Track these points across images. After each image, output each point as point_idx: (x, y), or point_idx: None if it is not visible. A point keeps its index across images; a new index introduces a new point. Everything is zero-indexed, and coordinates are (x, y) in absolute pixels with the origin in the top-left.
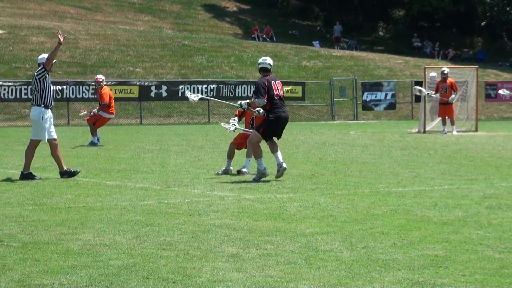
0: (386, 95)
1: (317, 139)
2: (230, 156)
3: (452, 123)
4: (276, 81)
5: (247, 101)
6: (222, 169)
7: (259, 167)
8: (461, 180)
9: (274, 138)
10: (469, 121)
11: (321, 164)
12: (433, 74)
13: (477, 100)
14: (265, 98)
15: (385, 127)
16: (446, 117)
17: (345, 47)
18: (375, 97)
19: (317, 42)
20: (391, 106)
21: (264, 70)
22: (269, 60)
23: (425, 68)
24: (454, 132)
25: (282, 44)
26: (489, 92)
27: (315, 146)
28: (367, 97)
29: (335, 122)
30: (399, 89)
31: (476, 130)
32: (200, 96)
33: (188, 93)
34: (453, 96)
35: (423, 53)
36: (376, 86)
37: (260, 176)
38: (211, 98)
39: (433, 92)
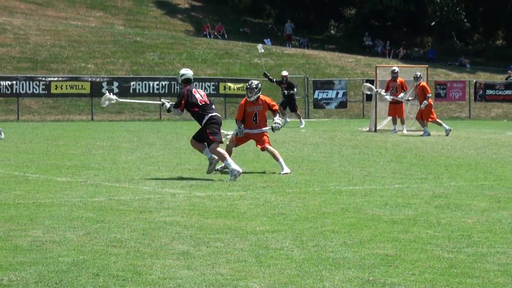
0: (337, 93)
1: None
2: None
3: (402, 122)
4: (199, 90)
5: (171, 102)
6: (221, 166)
7: (229, 168)
8: (411, 179)
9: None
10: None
11: (272, 161)
12: (395, 68)
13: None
14: (179, 108)
15: (336, 126)
16: (397, 116)
17: (296, 45)
18: (327, 95)
19: (269, 40)
20: (342, 105)
21: (186, 82)
22: (190, 72)
23: (376, 66)
24: (405, 131)
25: (233, 42)
26: (439, 92)
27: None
28: (318, 95)
29: (288, 120)
30: (350, 87)
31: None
32: (115, 98)
33: (106, 98)
34: (402, 94)
35: (374, 52)
36: (327, 85)
37: (235, 175)
38: (127, 100)
39: (383, 91)
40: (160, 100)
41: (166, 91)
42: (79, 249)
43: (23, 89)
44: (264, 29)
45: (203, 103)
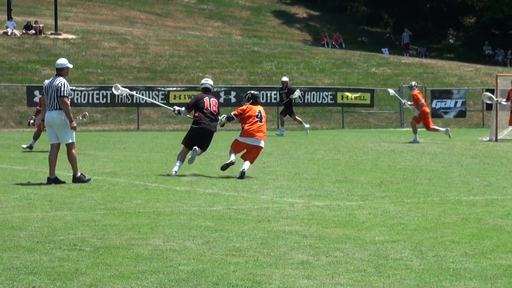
0: (456, 103)
1: (385, 147)
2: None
3: None
4: (211, 99)
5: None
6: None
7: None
8: None
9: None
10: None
11: (390, 171)
12: (487, 101)
13: None
14: (188, 109)
15: (455, 135)
16: None
17: (414, 54)
18: (445, 104)
19: (386, 49)
20: (461, 114)
21: (205, 90)
22: (210, 81)
23: (496, 76)
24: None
25: (351, 51)
26: None
27: (383, 154)
28: (436, 104)
29: (403, 129)
30: (470, 97)
31: None
32: (127, 90)
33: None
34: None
35: (495, 61)
36: (445, 94)
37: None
38: (141, 96)
39: (504, 100)
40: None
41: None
42: (199, 258)
43: (142, 99)
44: (381, 38)
45: (208, 111)
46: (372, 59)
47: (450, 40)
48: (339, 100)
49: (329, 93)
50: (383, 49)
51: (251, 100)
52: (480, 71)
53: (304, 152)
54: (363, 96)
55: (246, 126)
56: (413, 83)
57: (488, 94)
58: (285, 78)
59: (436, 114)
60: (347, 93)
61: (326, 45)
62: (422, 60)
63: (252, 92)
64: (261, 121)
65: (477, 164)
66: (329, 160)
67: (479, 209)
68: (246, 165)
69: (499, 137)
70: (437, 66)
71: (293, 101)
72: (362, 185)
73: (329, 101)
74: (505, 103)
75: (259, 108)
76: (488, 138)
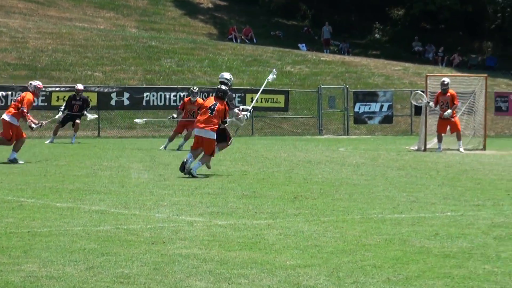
0: (381, 106)
1: (301, 157)
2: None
3: (459, 137)
4: (214, 95)
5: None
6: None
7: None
8: (466, 206)
9: None
10: (476, 138)
11: (305, 185)
12: (446, 79)
13: (485, 113)
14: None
15: (380, 144)
16: (442, 134)
17: (335, 51)
18: (369, 108)
19: (304, 44)
20: (387, 120)
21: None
22: (226, 75)
23: (426, 76)
24: (461, 149)
25: (263, 47)
26: (500, 105)
27: (299, 165)
28: (359, 108)
29: (322, 137)
30: (397, 100)
31: (484, 148)
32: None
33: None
34: (449, 111)
35: (425, 59)
36: (370, 96)
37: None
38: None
39: (433, 104)
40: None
41: None
42: (81, 286)
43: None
44: (298, 33)
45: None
46: (287, 56)
47: (376, 35)
48: (248, 103)
49: (237, 94)
50: (300, 45)
51: (216, 94)
52: (408, 70)
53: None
54: (276, 99)
55: (197, 117)
56: (446, 79)
57: (420, 92)
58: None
59: (359, 119)
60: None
61: (234, 40)
62: (344, 57)
63: (223, 88)
64: (212, 113)
65: (403, 177)
66: (235, 172)
67: (404, 228)
68: (191, 156)
69: (428, 146)
70: (361, 64)
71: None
72: (273, 201)
73: (237, 104)
74: (434, 107)
75: (218, 102)
76: (416, 147)
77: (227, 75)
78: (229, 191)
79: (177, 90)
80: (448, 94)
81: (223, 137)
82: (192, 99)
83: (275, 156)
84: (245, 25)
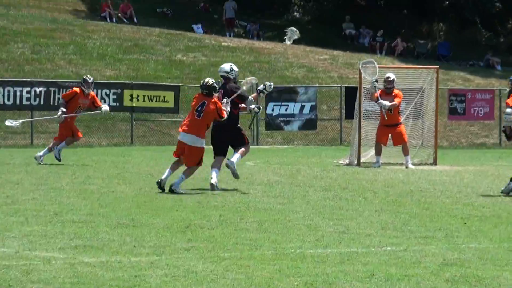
0: (302, 107)
1: (196, 173)
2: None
3: (406, 151)
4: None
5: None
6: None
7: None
8: (411, 239)
9: None
10: (425, 149)
11: (200, 211)
12: (391, 75)
13: (436, 117)
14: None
15: (300, 156)
16: (382, 145)
17: (241, 34)
18: (286, 110)
19: (200, 26)
20: (310, 125)
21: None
22: (225, 67)
23: (360, 68)
24: (410, 165)
25: (146, 28)
26: (455, 106)
27: (192, 184)
28: (273, 110)
29: None
30: (322, 99)
31: (435, 162)
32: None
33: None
34: (387, 103)
35: (359, 46)
36: (287, 94)
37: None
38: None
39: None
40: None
41: (42, 102)
42: None
43: None
44: (193, 10)
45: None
46: (178, 41)
47: (295, 14)
48: (126, 103)
49: (112, 91)
50: (195, 26)
51: (201, 90)
52: (337, 59)
53: (70, 180)
54: (164, 97)
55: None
56: (391, 75)
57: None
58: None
59: (273, 124)
60: (138, 92)
61: (108, 19)
62: (254, 42)
63: (210, 80)
64: (199, 116)
65: (330, 200)
66: (108, 193)
67: (330, 267)
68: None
69: (363, 160)
70: (275, 52)
71: None
72: (158, 231)
73: (112, 103)
74: (386, 103)
75: (206, 101)
76: (347, 161)
77: (226, 66)
78: (100, 219)
79: (31, 84)
80: (394, 94)
81: (241, 140)
82: (85, 90)
83: (161, 172)
84: (123, 0)
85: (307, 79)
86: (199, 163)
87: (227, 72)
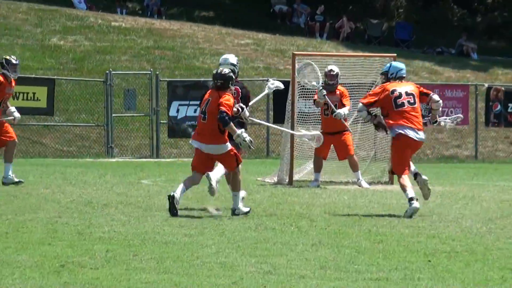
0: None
1: (76, 194)
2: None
3: (354, 166)
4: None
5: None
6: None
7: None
8: (359, 281)
9: None
10: (378, 163)
11: (81, 244)
12: (334, 68)
13: None
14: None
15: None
16: (322, 158)
17: (137, 11)
18: (195, 111)
19: (82, 0)
20: None
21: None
22: (231, 58)
23: (294, 55)
24: (363, 184)
25: (10, 3)
26: None
27: (71, 209)
28: (178, 111)
29: (113, 160)
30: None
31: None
32: None
33: None
34: (342, 110)
35: (293, 27)
36: (197, 90)
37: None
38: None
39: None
40: None
41: None
42: None
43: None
44: None
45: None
46: (52, 20)
47: None
48: None
49: None
50: (75, 0)
51: (213, 83)
52: (264, 45)
53: None
54: (34, 94)
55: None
56: (335, 68)
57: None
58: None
59: (177, 130)
60: None
61: None
62: (153, 22)
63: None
64: (204, 119)
65: (252, 231)
66: None
67: None
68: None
69: (296, 178)
70: (181, 34)
71: None
72: (23, 271)
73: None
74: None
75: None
76: (275, 179)
77: (232, 58)
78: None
79: None
80: (338, 92)
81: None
82: (9, 75)
83: (29, 193)
84: None
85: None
86: (237, 164)
87: (234, 65)
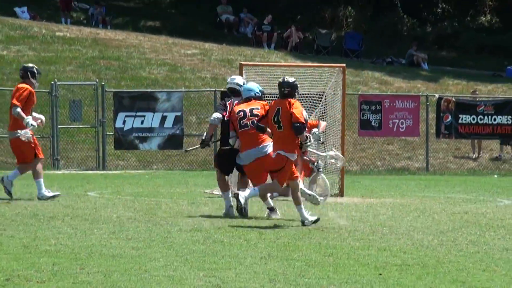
0: (163, 119)
1: (20, 207)
2: None
3: (308, 174)
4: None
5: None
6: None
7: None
8: None
9: None
10: (328, 175)
11: (26, 257)
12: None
13: (343, 132)
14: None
15: (162, 184)
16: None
17: (82, 21)
18: (142, 123)
19: (25, 9)
20: (174, 142)
21: (232, 92)
22: (237, 79)
23: (241, 65)
24: (321, 199)
25: None
26: (367, 117)
27: (16, 221)
28: (125, 122)
29: (59, 172)
30: (191, 107)
31: (341, 193)
32: None
33: None
34: (316, 131)
35: (240, 37)
36: (144, 101)
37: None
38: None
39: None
40: None
41: None
42: None
43: None
44: None
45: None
46: None
47: None
48: None
49: None
50: (18, 10)
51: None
52: (210, 55)
53: None
54: None
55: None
56: (291, 79)
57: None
58: None
59: (124, 141)
60: None
61: None
62: (98, 32)
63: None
64: (279, 128)
65: (200, 244)
66: None
67: None
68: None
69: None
70: (127, 44)
71: None
72: None
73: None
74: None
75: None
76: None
77: (239, 79)
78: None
79: None
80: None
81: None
82: (35, 84)
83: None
84: None
85: (169, 81)
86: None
87: (239, 86)
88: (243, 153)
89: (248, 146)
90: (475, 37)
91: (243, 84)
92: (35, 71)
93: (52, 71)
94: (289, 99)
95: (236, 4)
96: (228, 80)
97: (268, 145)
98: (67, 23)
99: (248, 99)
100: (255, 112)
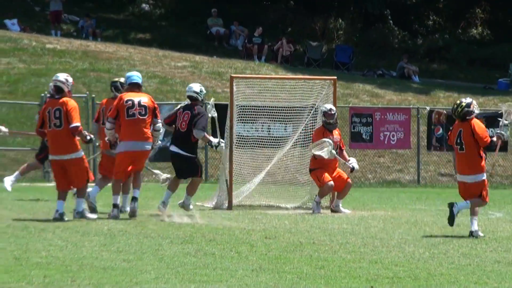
0: None
1: None
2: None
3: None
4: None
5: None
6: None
7: None
8: None
9: None
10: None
11: (18, 270)
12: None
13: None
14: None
15: (150, 197)
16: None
17: (72, 33)
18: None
19: (15, 21)
20: (163, 155)
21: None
22: (195, 87)
23: (232, 78)
24: (342, 209)
25: None
26: (358, 129)
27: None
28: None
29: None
30: None
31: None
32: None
33: None
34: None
35: (231, 49)
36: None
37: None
38: None
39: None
40: None
41: None
42: None
43: None
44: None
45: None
46: None
47: (144, 6)
48: None
49: None
50: (8, 22)
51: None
52: (201, 67)
53: None
54: None
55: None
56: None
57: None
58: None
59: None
60: None
61: None
62: (88, 44)
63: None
64: (461, 149)
65: (191, 256)
66: None
67: None
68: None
69: (236, 201)
70: (118, 56)
71: None
72: None
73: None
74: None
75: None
76: (214, 203)
77: (196, 86)
78: None
79: None
80: (337, 133)
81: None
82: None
83: None
84: None
85: (160, 93)
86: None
87: (196, 93)
88: (123, 142)
89: (131, 137)
90: (466, 50)
91: (200, 91)
92: (120, 86)
93: (43, 83)
94: (470, 121)
95: (227, 17)
96: (187, 89)
97: (151, 144)
98: (57, 35)
99: (135, 87)
100: (142, 103)
